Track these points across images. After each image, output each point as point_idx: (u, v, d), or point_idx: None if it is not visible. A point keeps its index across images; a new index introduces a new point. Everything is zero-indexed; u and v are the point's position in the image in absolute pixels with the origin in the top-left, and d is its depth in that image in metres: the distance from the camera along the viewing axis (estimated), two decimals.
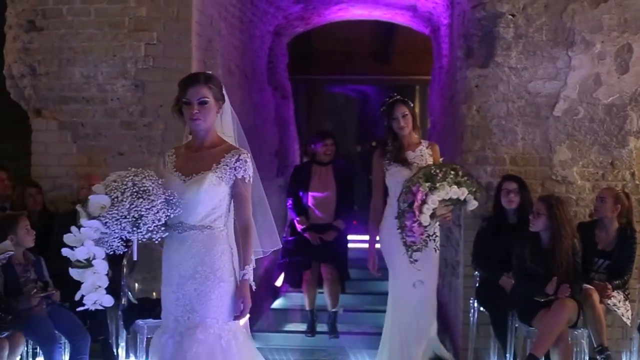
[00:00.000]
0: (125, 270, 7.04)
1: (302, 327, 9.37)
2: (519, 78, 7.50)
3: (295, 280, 9.09)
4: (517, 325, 6.81)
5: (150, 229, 4.40)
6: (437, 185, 6.18)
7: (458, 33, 8.25)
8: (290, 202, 9.02)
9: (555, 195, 7.02)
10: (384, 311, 9.35)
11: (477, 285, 7.28)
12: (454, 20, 8.70)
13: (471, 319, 7.35)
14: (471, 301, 7.38)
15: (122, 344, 7.05)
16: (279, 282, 10.97)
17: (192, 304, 4.49)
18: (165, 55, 7.49)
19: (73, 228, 4.46)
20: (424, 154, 6.74)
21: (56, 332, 6.44)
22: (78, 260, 4.47)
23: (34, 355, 6.73)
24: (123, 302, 6.97)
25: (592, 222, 7.21)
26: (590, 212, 7.39)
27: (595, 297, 6.68)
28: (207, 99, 4.61)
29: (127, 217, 4.34)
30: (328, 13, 12.01)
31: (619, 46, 7.44)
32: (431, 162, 6.69)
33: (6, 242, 6.40)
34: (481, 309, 7.25)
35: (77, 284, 6.67)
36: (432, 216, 6.28)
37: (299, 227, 8.83)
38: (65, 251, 4.46)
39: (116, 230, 4.39)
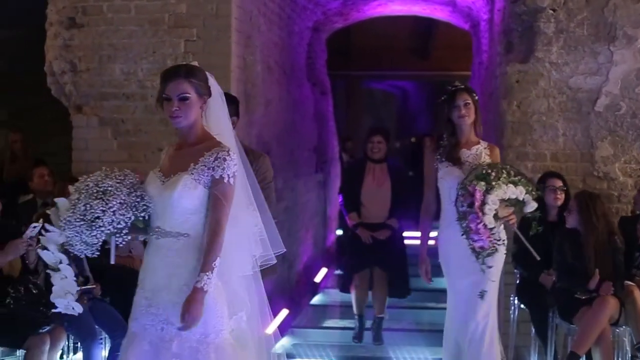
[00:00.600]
0: None
1: (341, 323, 9.38)
2: (559, 73, 7.44)
3: (342, 284, 8.99)
4: (557, 322, 6.76)
5: (107, 231, 4.07)
6: (494, 184, 5.58)
7: (498, 28, 8.21)
8: (341, 198, 8.88)
9: (590, 192, 6.95)
10: (424, 308, 9.39)
11: (517, 282, 7.24)
12: (494, 15, 8.65)
13: (511, 316, 7.32)
14: (511, 298, 7.34)
15: None
16: (318, 278, 11.00)
17: (167, 315, 4.11)
18: (204, 52, 7.51)
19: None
20: (480, 155, 5.97)
21: (96, 327, 6.48)
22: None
23: (75, 350, 6.80)
24: None
25: (634, 216, 7.15)
26: (632, 208, 7.32)
27: (637, 293, 6.62)
28: (187, 95, 4.17)
29: (84, 219, 4.05)
30: (367, 9, 12.00)
31: None
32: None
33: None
34: (521, 306, 7.20)
35: (118, 280, 6.78)
36: (495, 218, 5.65)
37: (350, 223, 8.59)
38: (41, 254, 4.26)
39: (73, 234, 4.09)
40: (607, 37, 7.37)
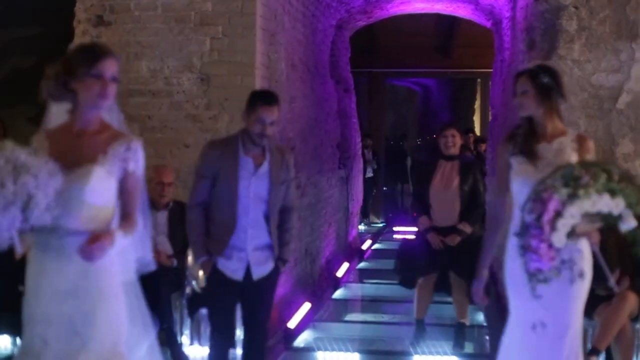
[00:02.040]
0: (189, 259, 7.17)
1: (362, 317, 9.43)
2: (581, 71, 7.47)
3: (408, 280, 8.19)
4: None
5: (44, 208, 3.54)
6: (581, 192, 4.29)
7: (520, 26, 8.25)
8: (412, 199, 8.30)
9: None
10: (443, 302, 9.40)
11: None
12: (516, 12, 8.69)
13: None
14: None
15: (186, 332, 7.19)
16: (340, 273, 11.07)
17: (73, 325, 3.69)
18: (230, 49, 7.59)
19: None
20: (564, 149, 4.74)
21: None
22: None
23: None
24: (187, 291, 7.11)
25: None
26: None
27: None
28: (117, 77, 3.86)
29: (15, 201, 3.47)
30: (390, 7, 12.06)
31: None
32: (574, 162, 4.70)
33: None
34: None
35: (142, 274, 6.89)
36: (570, 235, 4.39)
37: (420, 227, 7.92)
38: None
39: (5, 222, 3.48)
40: (629, 35, 7.39)
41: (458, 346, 7.91)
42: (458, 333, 8.03)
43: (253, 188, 5.42)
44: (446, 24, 16.67)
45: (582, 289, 4.66)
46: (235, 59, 7.59)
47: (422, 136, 24.66)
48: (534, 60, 7.51)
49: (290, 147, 8.70)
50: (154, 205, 7.35)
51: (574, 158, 4.69)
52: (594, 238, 4.70)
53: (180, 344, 7.05)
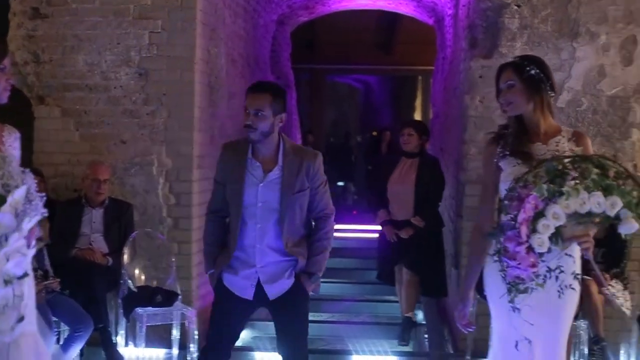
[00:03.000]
0: (125, 258, 7.06)
1: None
2: None
3: (383, 274, 8.55)
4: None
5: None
6: (566, 189, 3.76)
7: (462, 23, 8.24)
8: (370, 194, 8.54)
9: None
10: (383, 301, 9.40)
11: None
12: (459, 10, 8.68)
13: (470, 309, 7.32)
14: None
15: (122, 332, 7.06)
16: None
17: None
18: (169, 44, 7.47)
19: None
20: (562, 150, 4.20)
21: (54, 320, 6.41)
22: None
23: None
24: (123, 290, 6.98)
25: None
26: None
27: (594, 287, 6.69)
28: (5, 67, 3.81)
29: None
30: (332, 2, 12.01)
31: (623, 38, 7.42)
32: None
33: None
34: (480, 299, 7.21)
35: (77, 272, 6.74)
36: (556, 239, 3.83)
37: (378, 220, 8.28)
38: None
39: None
40: (571, 34, 7.42)
41: (404, 341, 8.04)
42: (405, 328, 8.17)
43: (261, 197, 4.78)
44: (388, 21, 16.66)
45: (572, 301, 4.16)
46: (174, 54, 7.47)
47: (363, 133, 24.66)
48: (475, 58, 7.51)
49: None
50: (89, 202, 7.22)
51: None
52: (587, 244, 3.95)
53: (115, 344, 6.92)
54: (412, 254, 7.98)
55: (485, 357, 7.23)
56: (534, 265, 3.81)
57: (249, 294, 4.83)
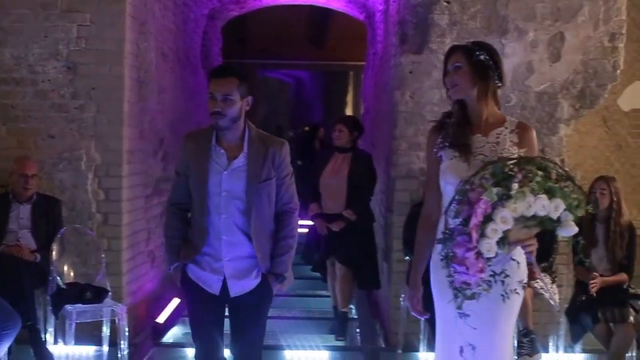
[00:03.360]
0: (54, 254, 6.96)
1: None
2: None
3: (316, 266, 8.72)
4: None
5: None
6: (513, 192, 3.66)
7: (393, 19, 8.27)
8: (308, 187, 8.43)
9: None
10: (315, 295, 9.41)
11: (407, 270, 7.30)
12: (389, 6, 8.72)
13: (401, 303, 7.39)
14: (401, 285, 7.43)
15: (51, 330, 6.96)
16: None
17: None
18: (98, 37, 7.37)
19: None
20: (503, 142, 4.06)
21: None
22: None
23: None
24: (51, 287, 6.89)
25: None
26: None
27: None
28: None
29: None
30: None
31: (551, 34, 7.52)
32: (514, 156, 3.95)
33: None
34: None
35: (4, 269, 6.63)
36: (502, 243, 3.74)
37: (309, 213, 8.30)
38: None
39: None
40: (499, 30, 7.50)
41: (341, 336, 8.13)
42: (341, 322, 8.25)
43: (225, 185, 4.54)
44: (319, 16, 16.65)
45: (515, 305, 4.04)
46: (103, 47, 7.37)
47: (295, 128, 24.63)
48: (406, 54, 7.55)
49: (160, 139, 8.53)
50: (16, 198, 7.11)
51: (513, 153, 4.00)
52: (531, 247, 3.88)
53: (44, 342, 6.82)
54: (345, 248, 8.03)
55: (416, 351, 7.36)
56: (482, 271, 3.72)
57: (215, 288, 4.60)
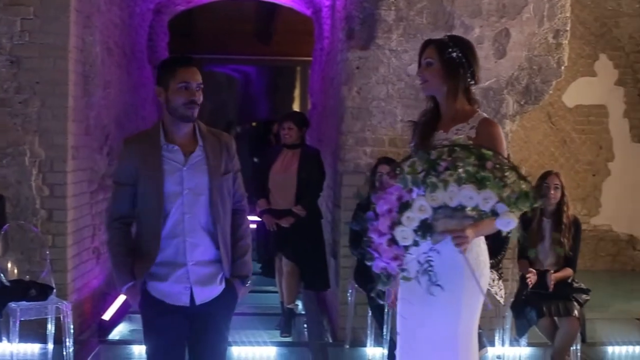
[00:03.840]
0: None
1: None
2: (399, 60, 7.57)
3: (265, 268, 8.64)
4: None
5: None
6: (431, 180, 3.59)
7: (340, 14, 8.28)
8: (254, 183, 8.34)
9: None
10: (262, 291, 9.40)
11: (355, 265, 7.32)
12: (336, 1, 8.72)
13: (349, 298, 7.41)
14: (349, 281, 7.44)
15: None
16: None
17: None
18: (42, 31, 7.28)
19: None
20: (461, 138, 3.93)
21: None
22: None
23: None
24: None
25: None
26: None
27: None
28: None
29: None
30: None
31: (497, 31, 7.58)
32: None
33: None
34: (358, 288, 7.27)
35: None
36: (424, 232, 3.66)
37: (257, 209, 8.20)
38: None
39: None
40: (445, 26, 7.54)
41: (286, 332, 8.13)
42: (288, 319, 8.25)
43: (187, 182, 4.25)
44: (266, 11, 16.61)
45: (450, 301, 3.88)
46: (47, 41, 7.28)
47: (242, 124, 24.56)
48: (352, 49, 7.56)
49: (106, 135, 8.46)
50: None
51: None
52: (459, 239, 3.68)
53: None
54: (293, 244, 8.02)
55: (363, 346, 7.37)
56: (397, 258, 3.66)
57: (185, 299, 4.27)
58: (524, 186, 3.61)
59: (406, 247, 3.64)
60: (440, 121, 4.14)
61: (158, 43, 11.95)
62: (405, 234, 3.61)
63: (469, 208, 3.58)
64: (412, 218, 3.59)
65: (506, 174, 3.60)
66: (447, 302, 3.88)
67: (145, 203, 4.28)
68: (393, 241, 3.63)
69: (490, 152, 3.67)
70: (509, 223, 3.62)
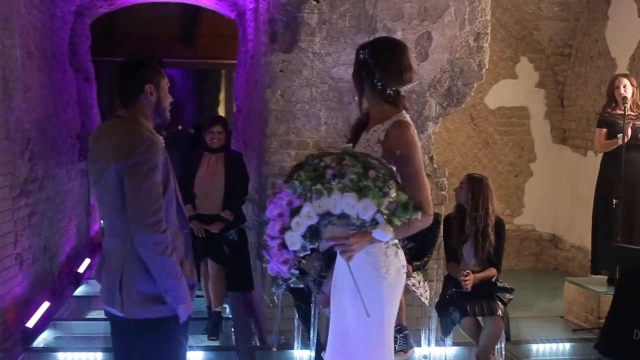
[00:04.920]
0: None
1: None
2: (322, 63, 7.59)
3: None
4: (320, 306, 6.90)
5: None
6: (316, 187, 3.67)
7: (263, 18, 8.28)
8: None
9: None
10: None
11: None
12: (259, 4, 8.71)
13: (276, 301, 7.39)
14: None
15: None
16: (81, 269, 10.76)
17: None
18: None
19: None
20: (372, 139, 4.07)
21: None
22: None
23: None
24: None
25: None
26: None
27: None
28: None
29: None
30: None
31: (419, 34, 7.65)
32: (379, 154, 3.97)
33: None
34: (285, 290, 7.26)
35: None
36: (312, 237, 3.75)
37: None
38: None
39: None
40: (368, 29, 7.58)
41: (214, 335, 8.17)
42: (215, 322, 8.24)
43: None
44: (191, 14, 16.54)
45: (355, 301, 3.96)
46: None
47: (167, 128, 24.45)
48: (276, 52, 7.56)
49: (27, 139, 8.33)
50: None
51: (377, 151, 3.97)
52: (342, 247, 3.80)
53: None
54: (219, 248, 7.97)
55: (290, 349, 7.38)
56: (286, 262, 3.77)
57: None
58: (402, 197, 3.69)
59: (295, 252, 3.74)
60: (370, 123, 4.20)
61: (80, 46, 11.83)
62: (293, 239, 3.69)
63: (353, 216, 3.64)
64: (300, 224, 3.67)
65: (387, 183, 3.66)
66: (353, 300, 3.97)
67: (171, 203, 4.23)
68: (283, 245, 3.71)
69: (376, 162, 3.74)
70: (383, 236, 3.69)
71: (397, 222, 3.69)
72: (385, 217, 3.64)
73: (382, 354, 4.13)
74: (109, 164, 4.07)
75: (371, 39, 4.39)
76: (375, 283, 4.02)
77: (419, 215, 3.82)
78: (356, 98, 4.35)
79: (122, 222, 4.08)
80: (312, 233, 3.70)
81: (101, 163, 4.14)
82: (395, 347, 6.70)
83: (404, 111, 4.16)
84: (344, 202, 3.60)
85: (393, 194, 3.67)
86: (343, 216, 3.67)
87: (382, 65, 4.14)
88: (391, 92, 4.15)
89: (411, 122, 4.13)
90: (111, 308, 4.21)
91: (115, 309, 4.18)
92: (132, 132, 4.18)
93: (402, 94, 4.21)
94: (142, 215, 3.99)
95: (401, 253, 4.19)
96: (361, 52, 4.19)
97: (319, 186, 3.64)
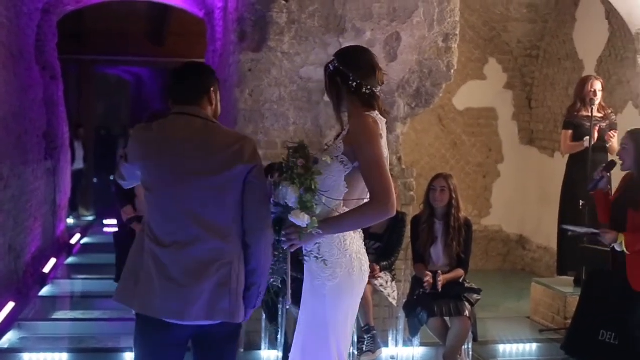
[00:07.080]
0: None
1: (72, 314, 9.15)
2: (291, 63, 7.57)
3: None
4: (288, 307, 6.87)
5: None
6: (273, 180, 4.09)
7: (232, 16, 8.24)
8: (114, 189, 7.58)
9: None
10: None
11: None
12: (228, 3, 8.68)
13: None
14: None
15: None
16: (47, 269, 10.67)
17: None
18: None
19: None
20: (331, 146, 4.19)
21: None
22: None
23: None
24: None
25: None
26: None
27: None
28: None
29: None
30: None
31: (388, 34, 7.64)
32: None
33: None
34: None
35: None
36: (278, 226, 4.11)
37: (124, 216, 7.50)
38: None
39: None
40: (337, 29, 7.57)
41: None
42: None
43: None
44: (159, 12, 16.48)
45: (316, 290, 4.22)
46: None
47: (134, 126, 24.36)
48: (245, 51, 7.53)
49: (2, 143, 8.25)
50: None
51: (340, 147, 4.08)
52: (286, 237, 4.09)
53: None
54: None
55: (258, 349, 7.36)
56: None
57: None
58: (309, 181, 3.91)
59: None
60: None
61: (47, 44, 11.74)
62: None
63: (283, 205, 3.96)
64: (275, 212, 4.02)
65: (297, 170, 3.92)
66: (315, 290, 4.22)
67: None
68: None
69: (308, 153, 4.00)
70: (299, 221, 3.91)
71: (313, 209, 3.90)
72: (298, 205, 3.88)
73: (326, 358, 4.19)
74: (231, 163, 3.95)
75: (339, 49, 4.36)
76: (319, 283, 4.18)
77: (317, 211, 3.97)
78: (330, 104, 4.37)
79: (236, 224, 4.00)
80: (277, 222, 4.02)
81: (205, 160, 3.97)
82: (362, 348, 6.71)
83: (376, 111, 4.17)
84: (283, 193, 3.92)
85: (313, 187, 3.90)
86: (290, 207, 3.92)
87: (353, 64, 4.20)
88: (367, 90, 4.17)
89: (376, 118, 4.12)
90: (209, 320, 4.01)
91: (218, 319, 4.01)
92: (234, 133, 4.29)
93: (379, 95, 4.24)
94: (269, 214, 4.07)
95: (362, 255, 4.25)
96: (329, 65, 4.25)
97: (275, 179, 3.98)
